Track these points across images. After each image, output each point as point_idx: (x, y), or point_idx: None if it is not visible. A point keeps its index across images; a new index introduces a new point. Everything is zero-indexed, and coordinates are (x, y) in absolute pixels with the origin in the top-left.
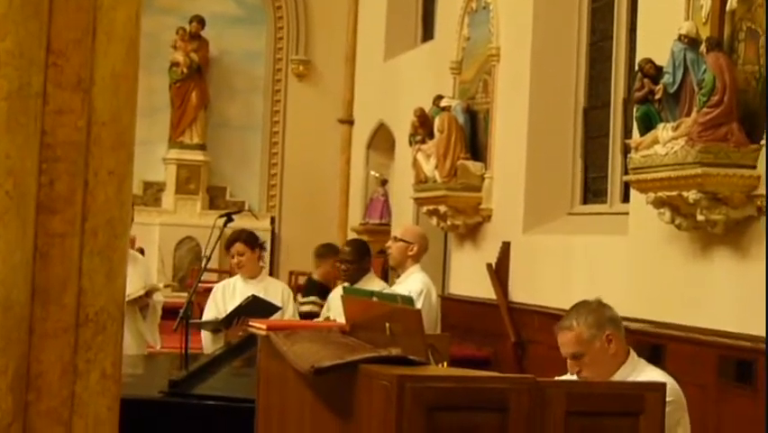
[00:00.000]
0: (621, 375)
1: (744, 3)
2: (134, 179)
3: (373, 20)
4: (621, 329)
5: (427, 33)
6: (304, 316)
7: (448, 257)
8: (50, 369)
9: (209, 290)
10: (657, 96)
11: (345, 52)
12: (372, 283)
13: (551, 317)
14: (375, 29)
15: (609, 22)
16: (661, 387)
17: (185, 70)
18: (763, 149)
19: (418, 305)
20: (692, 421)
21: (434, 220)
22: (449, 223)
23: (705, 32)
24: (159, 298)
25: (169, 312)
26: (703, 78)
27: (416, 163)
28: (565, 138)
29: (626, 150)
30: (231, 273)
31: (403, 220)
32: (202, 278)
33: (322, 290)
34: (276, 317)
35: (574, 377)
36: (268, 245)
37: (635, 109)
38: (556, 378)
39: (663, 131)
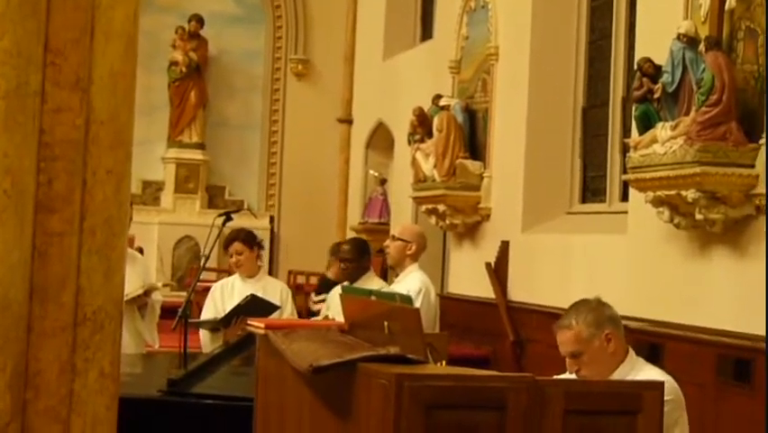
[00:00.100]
0: (620, 374)
1: (742, 2)
2: (133, 179)
3: (372, 19)
4: (620, 328)
5: (426, 33)
6: (316, 314)
7: (447, 256)
8: (49, 368)
9: (208, 289)
10: (656, 96)
11: (344, 52)
12: (372, 282)
13: (549, 316)
14: (374, 28)
15: (608, 20)
16: (659, 386)
17: (184, 69)
18: (762, 148)
19: (417, 304)
20: (691, 420)
21: (433, 219)
22: (448, 222)
23: (704, 31)
24: (157, 297)
25: (168, 311)
26: (702, 77)
27: (414, 162)
28: (564, 137)
29: (624, 149)
30: (230, 272)
31: (402, 219)
32: (201, 277)
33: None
34: (274, 316)
35: (573, 376)
36: (267, 244)
37: (633, 108)
38: (554, 377)
39: (662, 130)
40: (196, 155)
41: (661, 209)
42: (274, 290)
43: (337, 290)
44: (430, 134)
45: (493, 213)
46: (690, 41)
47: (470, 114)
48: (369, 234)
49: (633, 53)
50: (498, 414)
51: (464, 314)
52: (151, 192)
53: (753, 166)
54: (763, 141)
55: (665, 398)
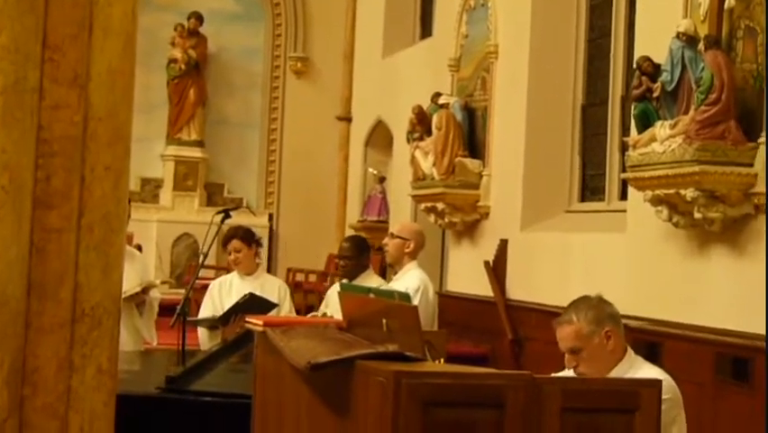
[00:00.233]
0: (618, 372)
1: (742, 1)
2: (132, 176)
3: (371, 17)
4: (620, 326)
5: (425, 31)
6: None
7: (446, 254)
8: (46, 364)
9: (206, 287)
10: (655, 94)
11: (343, 49)
12: (370, 280)
13: (548, 315)
14: (373, 26)
15: (608, 19)
16: (656, 384)
17: (183, 67)
18: (761, 147)
19: (415, 301)
20: (689, 419)
21: (432, 217)
22: (447, 220)
23: (703, 30)
24: (155, 294)
25: (167, 309)
26: (701, 75)
27: (413, 161)
28: (563, 136)
29: (623, 147)
30: (228, 270)
31: (401, 217)
32: (199, 274)
33: None
34: (272, 313)
35: (571, 373)
36: (265, 242)
37: (632, 107)
38: (553, 374)
39: (661, 129)
40: (195, 153)
41: (659, 208)
42: (272, 287)
43: (336, 287)
44: (429, 133)
45: (492, 211)
46: (689, 39)
47: (470, 112)
48: (368, 232)
49: (632, 52)
50: (496, 412)
51: (463, 312)
52: (150, 190)
53: (751, 165)
54: (761, 139)
55: (663, 396)
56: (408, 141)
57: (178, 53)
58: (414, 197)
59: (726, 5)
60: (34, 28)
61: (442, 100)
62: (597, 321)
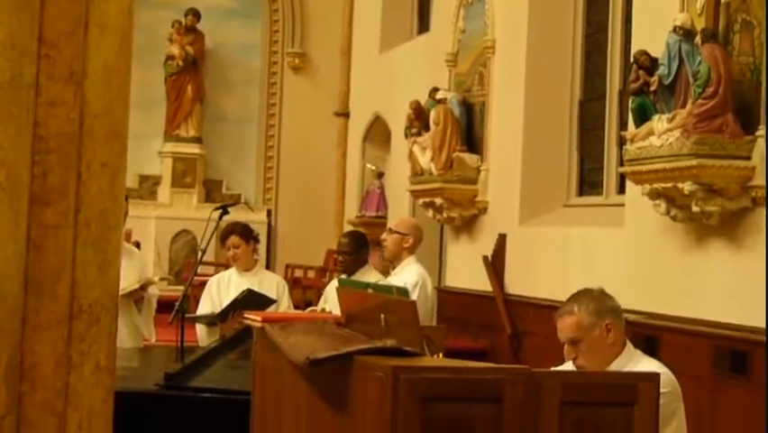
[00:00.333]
0: (617, 366)
1: None
2: (130, 173)
3: (369, 12)
4: (621, 320)
5: (423, 26)
6: None
7: (444, 249)
8: (44, 361)
9: (205, 283)
10: (652, 88)
11: (341, 45)
12: (370, 275)
13: (547, 309)
14: (370, 21)
15: (605, 13)
16: (655, 377)
17: (180, 63)
18: (759, 140)
19: (414, 296)
20: (688, 412)
21: (431, 212)
22: (445, 215)
23: (700, 24)
24: (154, 291)
25: (166, 305)
26: (698, 69)
27: (411, 156)
28: (561, 130)
29: (621, 141)
30: (227, 266)
31: (399, 213)
32: (198, 271)
33: None
34: (271, 309)
35: (569, 367)
36: (264, 238)
37: (630, 101)
38: (551, 368)
39: (659, 122)
40: (193, 149)
41: (657, 202)
42: (270, 283)
43: (334, 283)
44: (427, 128)
45: (490, 206)
46: (686, 33)
47: (467, 107)
48: (366, 227)
49: (629, 46)
50: (494, 406)
51: (462, 307)
52: (148, 186)
53: (749, 158)
54: (759, 133)
55: (662, 390)
56: (406, 136)
57: (175, 50)
58: (412, 192)
59: None
60: (30, 24)
61: (439, 95)
62: (598, 313)
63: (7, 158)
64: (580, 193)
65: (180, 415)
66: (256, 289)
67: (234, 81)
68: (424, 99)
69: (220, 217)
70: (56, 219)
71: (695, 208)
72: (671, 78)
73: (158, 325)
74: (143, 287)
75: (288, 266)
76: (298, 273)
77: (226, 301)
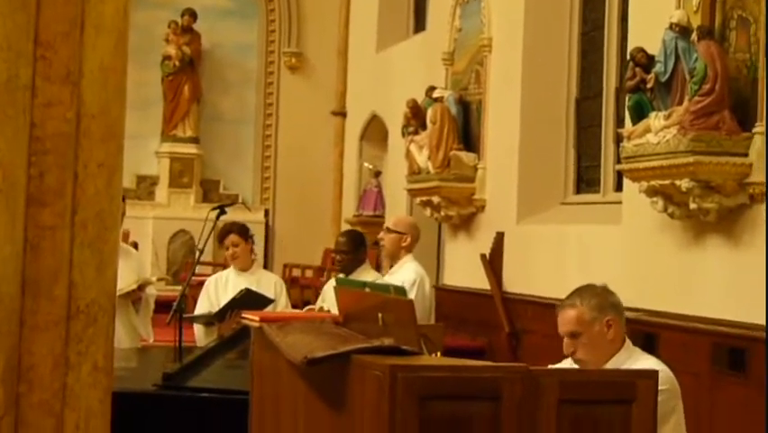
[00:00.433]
0: (615, 362)
1: None
2: (128, 173)
3: (365, 11)
4: (622, 317)
5: (419, 24)
6: None
7: (442, 248)
8: (42, 361)
9: (203, 283)
10: (649, 85)
11: (337, 44)
12: (367, 274)
13: (545, 307)
14: (367, 20)
15: (601, 11)
16: (653, 375)
17: (177, 64)
18: (756, 137)
19: (411, 294)
20: (686, 409)
21: (428, 211)
22: (442, 214)
23: (696, 21)
24: (151, 291)
25: (164, 305)
26: (695, 66)
27: (409, 154)
28: (558, 128)
29: (618, 139)
30: (225, 266)
31: (397, 211)
32: (196, 271)
33: None
34: (269, 309)
35: (567, 365)
36: (261, 238)
37: (627, 98)
38: (549, 366)
39: (655, 120)
40: (191, 149)
41: (655, 199)
42: (268, 283)
43: (332, 282)
44: (424, 126)
45: (488, 204)
46: (682, 30)
47: (464, 105)
48: (363, 226)
49: (625, 44)
50: (492, 404)
51: (459, 305)
52: (146, 187)
53: (746, 155)
54: (756, 129)
55: (661, 387)
56: (403, 135)
57: (172, 50)
58: (409, 191)
59: None
60: (26, 25)
61: (436, 94)
62: (600, 308)
63: (4, 159)
64: (578, 191)
65: (178, 415)
66: (254, 288)
67: (231, 81)
68: (420, 98)
69: (217, 217)
70: (53, 220)
71: (692, 205)
72: (667, 76)
73: (155, 325)
74: (141, 287)
75: (285, 266)
76: (296, 273)
77: (224, 301)
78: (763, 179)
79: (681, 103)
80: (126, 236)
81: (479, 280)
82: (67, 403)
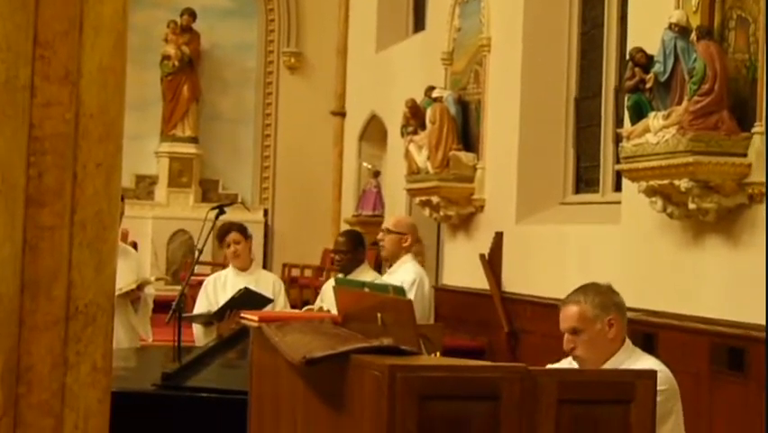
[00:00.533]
0: (615, 362)
1: None
2: (127, 173)
3: (364, 11)
4: (624, 317)
5: (418, 24)
6: None
7: (441, 248)
8: (41, 362)
9: (202, 283)
10: (648, 85)
11: (337, 44)
12: (366, 274)
13: (544, 307)
14: (366, 20)
15: (600, 11)
16: (652, 375)
17: (176, 63)
18: (755, 137)
19: (411, 295)
20: (685, 409)
21: (427, 211)
22: (442, 213)
23: (695, 21)
24: (150, 291)
25: (162, 305)
26: (694, 66)
27: (408, 154)
28: (557, 128)
29: (617, 139)
30: (224, 265)
31: (396, 211)
32: (195, 270)
33: None
34: (268, 309)
35: (566, 364)
36: (261, 238)
37: (626, 98)
38: (548, 366)
39: (655, 120)
40: (190, 149)
41: (654, 199)
42: (267, 282)
43: (331, 282)
44: (423, 126)
45: (487, 204)
46: (681, 30)
47: (463, 105)
48: (363, 226)
49: (625, 43)
50: (491, 404)
51: (459, 305)
52: (145, 186)
53: (745, 155)
54: (755, 129)
55: (660, 388)
56: (402, 135)
57: (171, 50)
58: (409, 190)
59: None
60: (25, 25)
61: (435, 94)
62: (602, 307)
63: (3, 159)
64: (577, 191)
65: (177, 415)
66: (252, 288)
67: (230, 81)
68: (420, 98)
69: (216, 217)
70: (52, 220)
71: (691, 205)
72: (666, 76)
73: (154, 325)
74: (140, 287)
75: (284, 265)
76: (295, 273)
77: (222, 301)
78: (763, 180)
79: (680, 103)
80: (125, 236)
81: (478, 280)
82: (66, 403)
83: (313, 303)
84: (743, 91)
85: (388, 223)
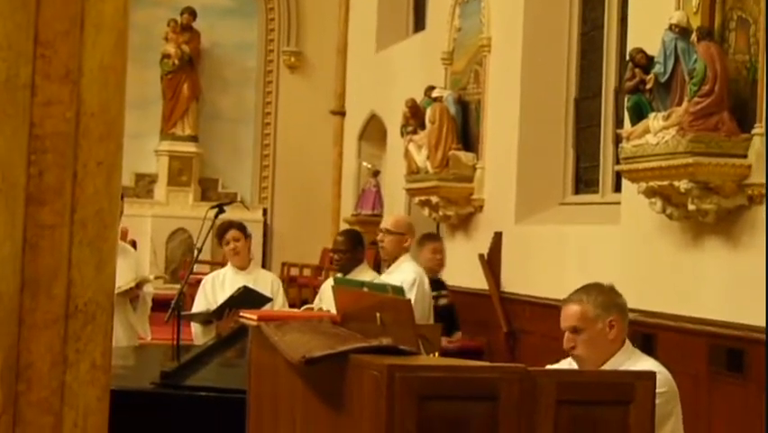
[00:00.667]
0: (614, 363)
1: None
2: (126, 172)
3: (364, 11)
4: (626, 319)
5: (419, 24)
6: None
7: None
8: (40, 360)
9: (201, 282)
10: (648, 86)
11: (337, 44)
12: (365, 274)
13: (543, 307)
14: (366, 20)
15: (600, 11)
16: (651, 376)
17: (176, 62)
18: (755, 138)
19: (412, 295)
20: (684, 410)
21: (426, 211)
22: (441, 213)
23: (696, 22)
24: (149, 289)
25: (161, 304)
26: (694, 67)
27: (407, 154)
28: (557, 128)
29: (617, 140)
30: (223, 264)
31: (395, 211)
32: (194, 269)
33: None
34: (266, 308)
35: (565, 365)
36: (260, 237)
37: (626, 99)
38: (547, 367)
39: (655, 120)
40: (190, 148)
41: (653, 200)
42: (265, 281)
43: (330, 282)
44: (423, 126)
45: (486, 204)
46: (681, 31)
47: (463, 105)
48: (362, 225)
49: (625, 44)
50: (490, 405)
51: (458, 305)
52: (144, 185)
53: (745, 156)
54: (755, 130)
55: (660, 390)
56: (402, 134)
57: (171, 48)
58: (408, 190)
59: None
60: (26, 24)
61: (435, 93)
62: (604, 307)
63: (3, 158)
64: (576, 191)
65: (176, 413)
66: (251, 287)
67: (230, 80)
68: (419, 97)
69: (216, 216)
70: (52, 219)
71: (691, 207)
72: (666, 76)
73: (153, 323)
74: (139, 285)
75: (284, 264)
76: (294, 272)
77: (221, 299)
78: (763, 181)
79: (680, 104)
80: (124, 234)
81: (477, 280)
82: (65, 401)
83: (311, 302)
84: (743, 92)
85: (387, 223)
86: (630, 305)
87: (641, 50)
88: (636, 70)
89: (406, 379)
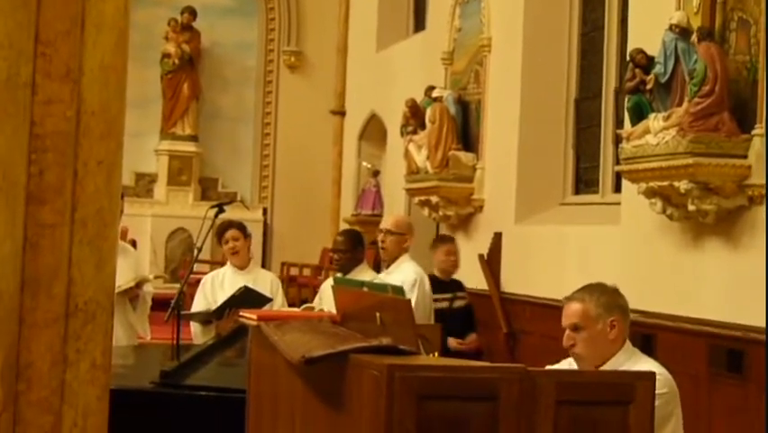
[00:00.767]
0: (614, 363)
1: None
2: (126, 171)
3: (365, 11)
4: (627, 320)
5: (419, 24)
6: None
7: None
8: (40, 359)
9: (201, 281)
10: (648, 87)
11: (337, 43)
12: (364, 274)
13: (543, 308)
14: (367, 20)
15: (600, 12)
16: (651, 376)
17: (176, 61)
18: (755, 138)
19: (413, 295)
20: (684, 411)
21: (426, 211)
22: (441, 213)
23: (696, 22)
24: (148, 289)
25: (161, 303)
26: (694, 67)
27: (407, 154)
28: (557, 128)
29: (617, 140)
30: (223, 264)
31: (395, 211)
32: (194, 269)
33: (439, 284)
34: (266, 308)
35: (565, 366)
36: (260, 236)
37: (626, 99)
38: (547, 367)
39: (655, 121)
40: (190, 147)
41: (653, 200)
42: (264, 281)
43: (330, 281)
44: (423, 126)
45: (486, 204)
46: (682, 31)
47: (463, 105)
48: (362, 225)
49: (625, 44)
50: (490, 405)
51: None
52: (144, 184)
53: (745, 156)
54: (755, 131)
55: (660, 391)
56: (402, 134)
57: (171, 48)
58: (408, 190)
59: None
60: (27, 23)
61: (435, 93)
62: (606, 307)
63: (4, 157)
64: (577, 191)
65: (176, 413)
66: (251, 286)
67: (230, 79)
68: (420, 97)
69: (216, 215)
70: (52, 218)
71: (691, 207)
72: (667, 77)
73: (153, 323)
74: (139, 285)
75: (283, 264)
76: (294, 271)
77: (220, 299)
78: (763, 181)
79: (680, 104)
80: (124, 234)
81: (477, 281)
82: (65, 400)
83: (311, 302)
84: (743, 93)
85: (387, 224)
86: (630, 305)
87: (641, 51)
88: (637, 71)
89: (406, 379)
